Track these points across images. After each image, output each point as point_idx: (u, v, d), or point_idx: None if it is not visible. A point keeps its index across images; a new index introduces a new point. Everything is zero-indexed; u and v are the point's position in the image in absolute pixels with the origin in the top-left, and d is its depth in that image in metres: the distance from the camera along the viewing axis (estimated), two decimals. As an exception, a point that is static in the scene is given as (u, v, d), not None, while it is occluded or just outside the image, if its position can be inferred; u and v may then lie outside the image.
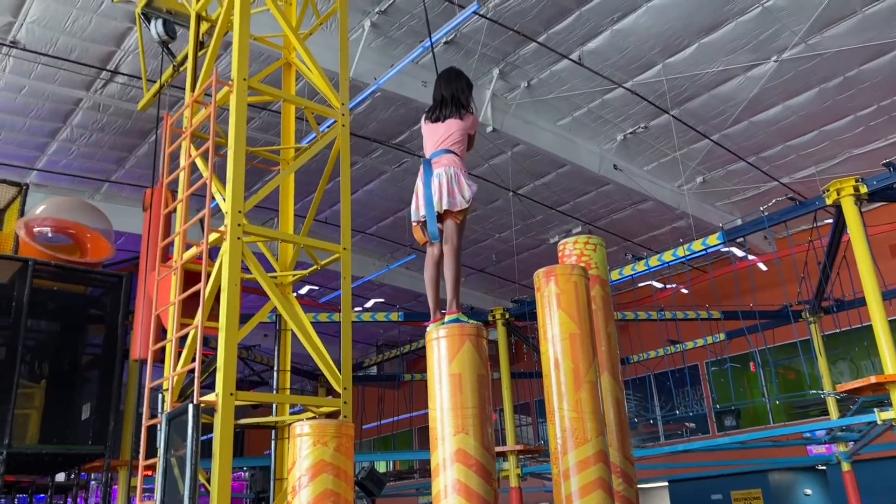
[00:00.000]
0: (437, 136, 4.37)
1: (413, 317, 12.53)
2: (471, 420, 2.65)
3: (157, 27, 7.18)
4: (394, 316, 12.28)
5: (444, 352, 2.76)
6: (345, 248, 5.28)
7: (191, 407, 4.25)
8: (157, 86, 7.46)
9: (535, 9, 10.05)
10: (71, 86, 10.72)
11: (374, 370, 18.09)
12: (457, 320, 3.56)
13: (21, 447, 7.87)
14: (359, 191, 14.26)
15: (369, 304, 17.38)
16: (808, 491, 15.15)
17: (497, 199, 14.72)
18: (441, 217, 4.14)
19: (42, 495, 10.27)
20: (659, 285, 16.31)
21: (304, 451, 2.93)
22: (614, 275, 9.98)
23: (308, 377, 14.70)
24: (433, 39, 9.45)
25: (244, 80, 5.06)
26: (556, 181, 14.33)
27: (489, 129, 11.62)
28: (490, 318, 11.05)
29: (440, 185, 4.09)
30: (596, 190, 14.69)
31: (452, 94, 4.47)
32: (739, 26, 10.35)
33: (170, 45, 7.53)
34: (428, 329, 2.99)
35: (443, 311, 3.99)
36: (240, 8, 5.25)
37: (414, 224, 4.29)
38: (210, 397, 4.40)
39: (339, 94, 5.65)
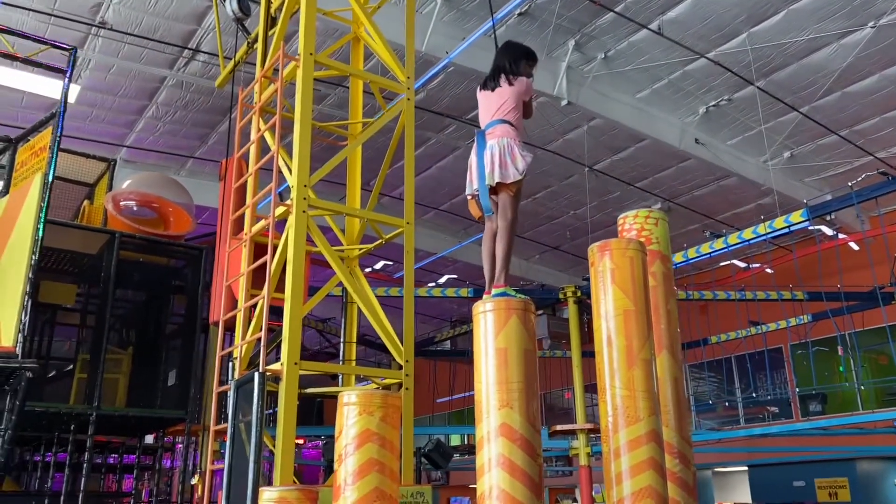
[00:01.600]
0: (490, 105, 4.32)
1: (483, 293, 12.45)
2: (516, 395, 2.61)
3: (231, 4, 7.33)
4: (464, 292, 12.29)
5: (490, 325, 2.73)
6: (408, 223, 5.29)
7: (256, 375, 4.37)
8: (232, 63, 7.63)
9: (613, -23, 9.75)
10: (156, 64, 11.10)
11: (447, 345, 18.21)
12: (504, 294, 3.51)
13: (109, 409, 8.29)
14: (432, 167, 14.29)
15: (442, 279, 17.49)
16: (899, 482, 14.44)
17: (572, 175, 14.48)
18: (495, 189, 4.08)
19: (132, 455, 10.86)
20: (742, 265, 15.75)
21: (351, 421, 2.97)
22: (691, 252, 9.66)
23: (383, 350, 14.92)
24: (507, 10, 9.33)
25: (311, 54, 5.11)
26: (635, 156, 13.96)
27: (564, 102, 11.39)
28: (561, 296, 10.92)
29: (492, 157, 4.04)
30: (676, 165, 14.23)
31: (506, 63, 4.41)
32: (832, -10, 9.77)
33: (245, 23, 7.69)
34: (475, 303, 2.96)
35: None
36: (307, -17, 5.29)
37: (468, 198, 4.26)
38: (275, 366, 4.51)
39: (405, 68, 5.63)
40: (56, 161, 6.70)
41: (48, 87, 11.05)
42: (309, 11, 5.22)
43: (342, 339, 5.54)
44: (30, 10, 9.68)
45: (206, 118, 12.63)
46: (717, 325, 14.77)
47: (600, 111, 12.13)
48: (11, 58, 6.78)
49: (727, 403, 17.28)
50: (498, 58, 4.50)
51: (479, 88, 4.51)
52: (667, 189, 15.12)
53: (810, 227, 11.97)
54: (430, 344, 16.82)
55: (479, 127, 4.33)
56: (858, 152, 13.31)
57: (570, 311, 10.59)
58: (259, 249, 5.23)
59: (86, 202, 9.84)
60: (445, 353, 17.53)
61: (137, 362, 9.52)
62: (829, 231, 13.62)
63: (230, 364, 5.16)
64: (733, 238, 9.29)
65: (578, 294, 10.45)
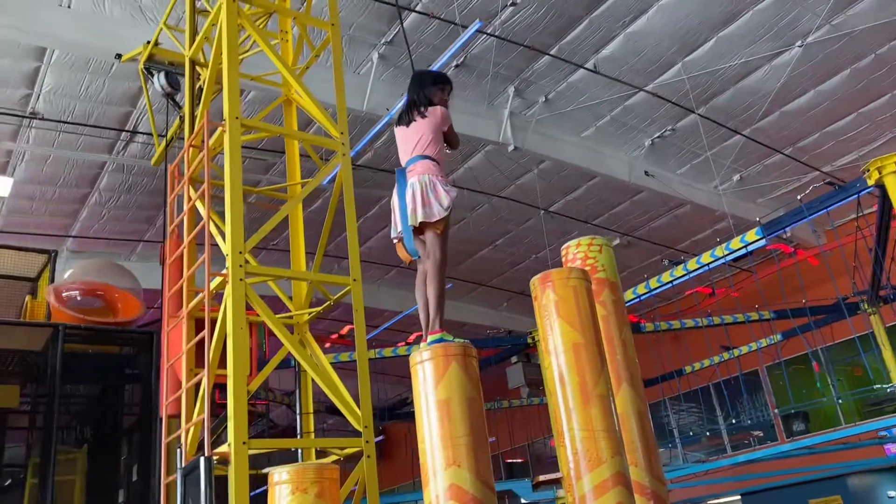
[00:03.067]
0: (408, 142, 4.19)
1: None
2: (463, 450, 2.38)
3: (159, 80, 7.21)
4: (430, 347, 12.01)
5: (429, 376, 2.51)
6: (354, 280, 5.07)
7: (202, 460, 4.06)
8: (165, 140, 7.46)
9: (543, 21, 9.86)
10: (94, 150, 10.87)
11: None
12: (440, 340, 3.30)
13: (63, 514, 7.79)
14: (387, 226, 14.09)
15: (412, 337, 17.16)
16: (892, 493, 14.24)
17: (529, 219, 14.45)
18: (420, 230, 3.90)
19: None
20: (706, 292, 15.73)
21: (283, 501, 2.70)
22: (653, 283, 9.57)
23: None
24: (441, 62, 9.36)
25: (236, 118, 4.95)
26: (588, 194, 14.00)
27: (510, 148, 11.40)
28: (530, 340, 10.72)
29: (414, 195, 3.87)
30: (630, 199, 14.31)
31: (414, 95, 4.31)
32: (756, 15, 9.99)
33: (176, 97, 7.56)
34: (411, 353, 2.74)
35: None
36: (227, 48, 5.17)
37: (395, 242, 4.07)
38: (224, 448, 4.20)
39: (337, 125, 5.50)
40: (-17, 256, 6.40)
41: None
42: (231, 76, 5.08)
43: (298, 411, 5.23)
44: (-45, 106, 9.45)
45: (151, 200, 12.37)
46: (690, 354, 14.65)
47: (548, 153, 12.18)
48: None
49: (708, 433, 17.06)
50: (409, 91, 4.40)
51: (395, 124, 4.38)
52: (624, 224, 15.16)
53: (769, 247, 12.01)
54: (403, 406, 16.40)
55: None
56: (805, 168, 13.52)
57: (541, 355, 10.37)
58: (201, 325, 4.96)
59: (28, 297, 9.45)
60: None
61: (94, 460, 9.02)
62: (787, 249, 13.70)
63: (178, 451, 4.83)
64: (692, 264, 9.23)
65: (546, 338, 10.29)
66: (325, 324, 16.79)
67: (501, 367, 15.78)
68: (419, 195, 3.83)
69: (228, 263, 4.57)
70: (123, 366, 9.24)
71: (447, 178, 4.14)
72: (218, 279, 4.66)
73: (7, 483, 9.63)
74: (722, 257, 8.68)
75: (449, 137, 4.33)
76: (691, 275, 9.34)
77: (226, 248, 4.65)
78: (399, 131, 4.31)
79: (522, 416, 18.69)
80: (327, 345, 16.12)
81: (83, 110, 10.02)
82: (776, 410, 14.93)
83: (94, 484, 8.86)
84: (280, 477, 2.78)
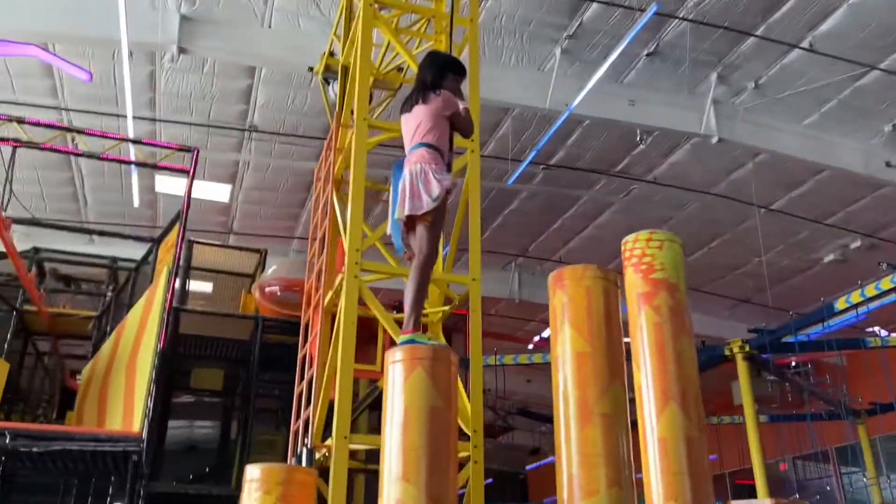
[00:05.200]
0: (409, 130, 3.93)
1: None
2: (415, 465, 2.14)
3: (333, 89, 7.60)
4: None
5: (397, 379, 2.31)
6: (474, 279, 4.92)
7: (304, 451, 4.19)
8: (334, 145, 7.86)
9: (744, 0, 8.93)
10: (305, 159, 11.80)
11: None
12: (412, 341, 3.03)
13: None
14: (588, 227, 13.71)
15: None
16: None
17: (746, 220, 13.16)
18: (413, 224, 3.62)
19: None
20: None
21: (248, 500, 2.63)
22: (869, 290, 8.18)
23: (541, 420, 14.15)
24: (621, 47, 8.84)
25: (364, 119, 5.06)
26: (816, 190, 12.43)
27: (714, 139, 10.46)
28: (727, 353, 9.68)
29: (404, 187, 3.61)
30: (870, 195, 12.47)
31: (428, 78, 4.02)
32: None
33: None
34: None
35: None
36: (361, 51, 5.31)
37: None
38: (329, 441, 4.30)
39: (470, 121, 5.38)
40: (180, 254, 7.22)
41: (216, 191, 12.24)
42: (362, 78, 5.21)
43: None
44: (191, 124, 10.79)
45: (360, 203, 13.16)
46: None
47: (762, 144, 11.01)
48: (144, 165, 7.54)
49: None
50: (419, 70, 4.10)
51: (400, 112, 4.15)
52: (865, 223, 13.26)
53: None
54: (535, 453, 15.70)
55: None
56: None
57: (740, 369, 9.28)
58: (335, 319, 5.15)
59: (243, 292, 10.52)
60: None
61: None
62: None
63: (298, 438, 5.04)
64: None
65: (747, 349, 9.14)
66: (532, 325, 16.74)
67: (725, 381, 14.60)
68: (408, 187, 3.59)
69: (346, 260, 4.67)
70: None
71: (444, 166, 3.80)
72: (340, 275, 4.79)
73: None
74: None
75: (458, 124, 4.00)
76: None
77: (345, 245, 4.76)
78: (403, 119, 4.09)
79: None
80: (530, 346, 16.10)
81: (292, 122, 10.94)
82: None
83: (292, 465, 9.58)
84: (252, 475, 2.74)
